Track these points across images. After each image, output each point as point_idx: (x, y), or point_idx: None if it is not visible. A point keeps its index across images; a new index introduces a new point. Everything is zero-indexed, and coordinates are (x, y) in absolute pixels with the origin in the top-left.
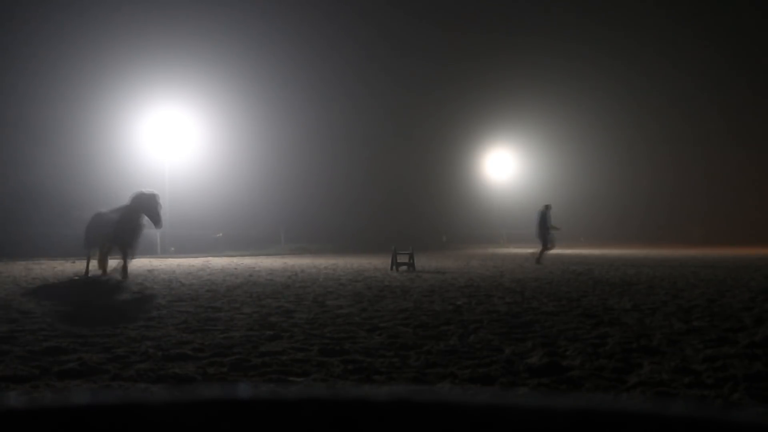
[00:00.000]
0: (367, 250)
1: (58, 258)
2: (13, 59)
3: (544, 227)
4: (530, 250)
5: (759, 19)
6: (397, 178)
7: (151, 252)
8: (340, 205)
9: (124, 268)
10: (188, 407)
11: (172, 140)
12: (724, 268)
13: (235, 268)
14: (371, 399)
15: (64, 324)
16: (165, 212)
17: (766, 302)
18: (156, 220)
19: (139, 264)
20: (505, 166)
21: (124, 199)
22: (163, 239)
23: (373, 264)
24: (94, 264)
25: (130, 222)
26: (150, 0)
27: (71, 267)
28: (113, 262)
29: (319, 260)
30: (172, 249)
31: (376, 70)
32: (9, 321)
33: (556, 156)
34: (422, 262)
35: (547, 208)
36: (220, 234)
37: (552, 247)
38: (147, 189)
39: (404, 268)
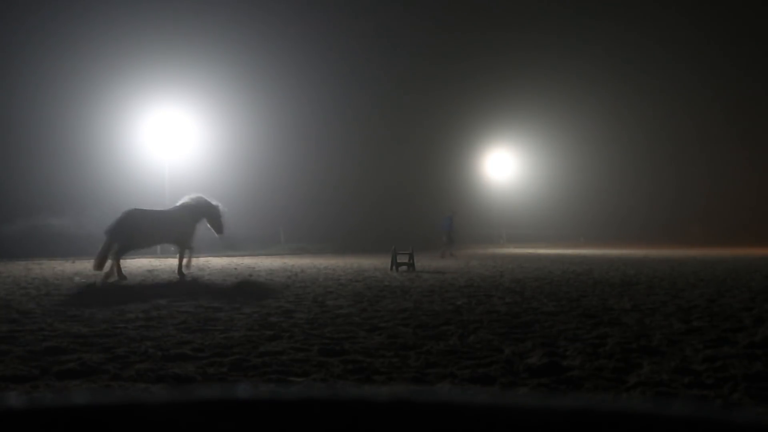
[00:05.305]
0: (367, 250)
1: (57, 257)
2: (13, 59)
3: None
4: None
5: (763, 17)
6: (396, 178)
7: (151, 252)
8: (340, 205)
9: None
10: (188, 407)
11: (172, 140)
12: (724, 268)
13: (235, 268)
14: (371, 399)
15: (64, 324)
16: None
17: (766, 302)
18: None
19: (139, 264)
20: (505, 166)
21: (124, 198)
22: None
23: (373, 264)
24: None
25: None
26: (150, 0)
27: (71, 267)
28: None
29: (319, 260)
30: (173, 249)
31: (377, 70)
32: (9, 321)
33: (556, 156)
34: (422, 262)
35: None
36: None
37: None
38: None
39: (404, 268)
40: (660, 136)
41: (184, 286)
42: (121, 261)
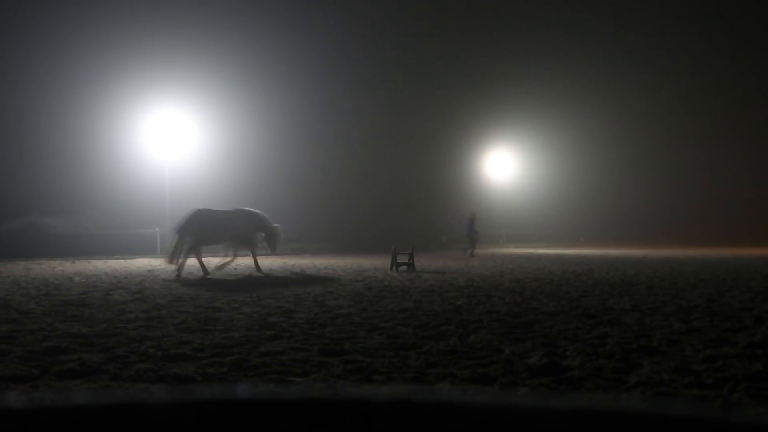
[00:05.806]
0: (367, 250)
1: (57, 257)
2: (13, 59)
3: None
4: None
5: (763, 17)
6: (396, 178)
7: (151, 252)
8: (340, 205)
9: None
10: (188, 407)
11: (172, 140)
12: (724, 268)
13: (235, 269)
14: (371, 399)
15: (64, 324)
16: (165, 212)
17: (766, 302)
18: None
19: (139, 264)
20: (505, 166)
21: (124, 198)
22: (163, 240)
23: (373, 264)
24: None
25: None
26: (150, 0)
27: (71, 267)
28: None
29: (319, 260)
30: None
31: (377, 70)
32: (9, 321)
33: (556, 156)
34: (422, 262)
35: None
36: None
37: None
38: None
39: (404, 268)
40: (660, 136)
41: (185, 286)
42: (119, 261)
